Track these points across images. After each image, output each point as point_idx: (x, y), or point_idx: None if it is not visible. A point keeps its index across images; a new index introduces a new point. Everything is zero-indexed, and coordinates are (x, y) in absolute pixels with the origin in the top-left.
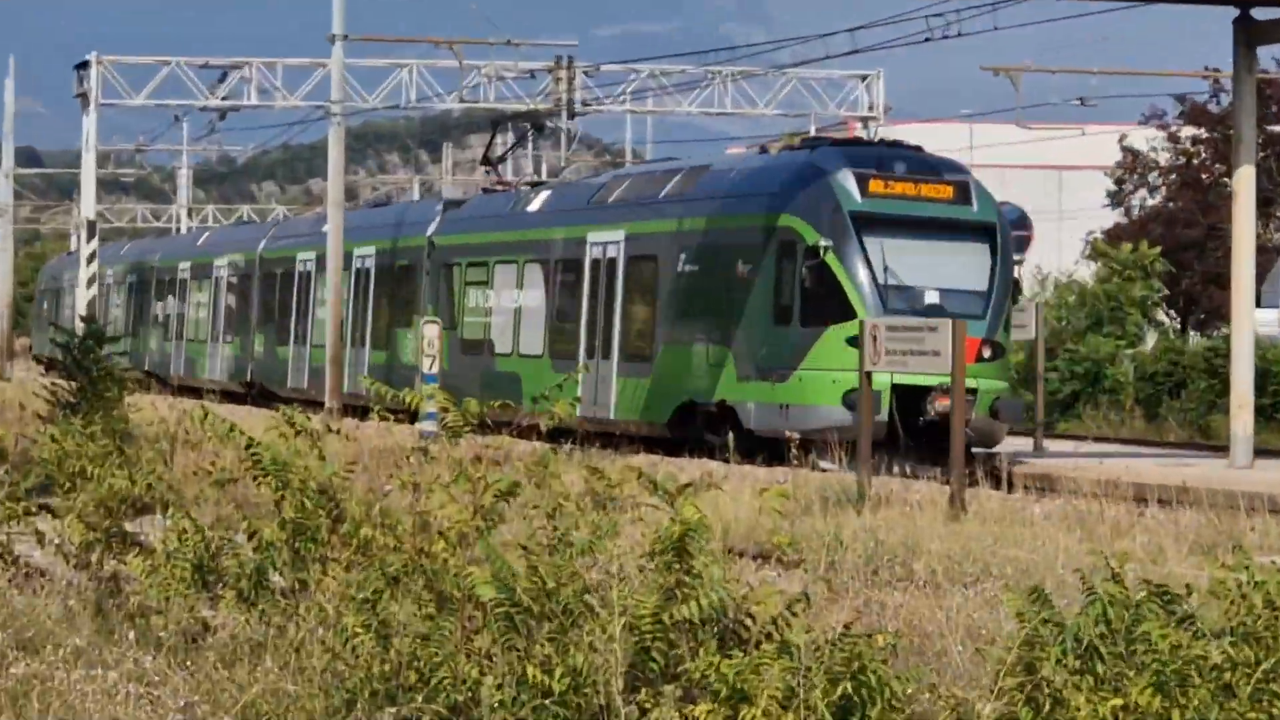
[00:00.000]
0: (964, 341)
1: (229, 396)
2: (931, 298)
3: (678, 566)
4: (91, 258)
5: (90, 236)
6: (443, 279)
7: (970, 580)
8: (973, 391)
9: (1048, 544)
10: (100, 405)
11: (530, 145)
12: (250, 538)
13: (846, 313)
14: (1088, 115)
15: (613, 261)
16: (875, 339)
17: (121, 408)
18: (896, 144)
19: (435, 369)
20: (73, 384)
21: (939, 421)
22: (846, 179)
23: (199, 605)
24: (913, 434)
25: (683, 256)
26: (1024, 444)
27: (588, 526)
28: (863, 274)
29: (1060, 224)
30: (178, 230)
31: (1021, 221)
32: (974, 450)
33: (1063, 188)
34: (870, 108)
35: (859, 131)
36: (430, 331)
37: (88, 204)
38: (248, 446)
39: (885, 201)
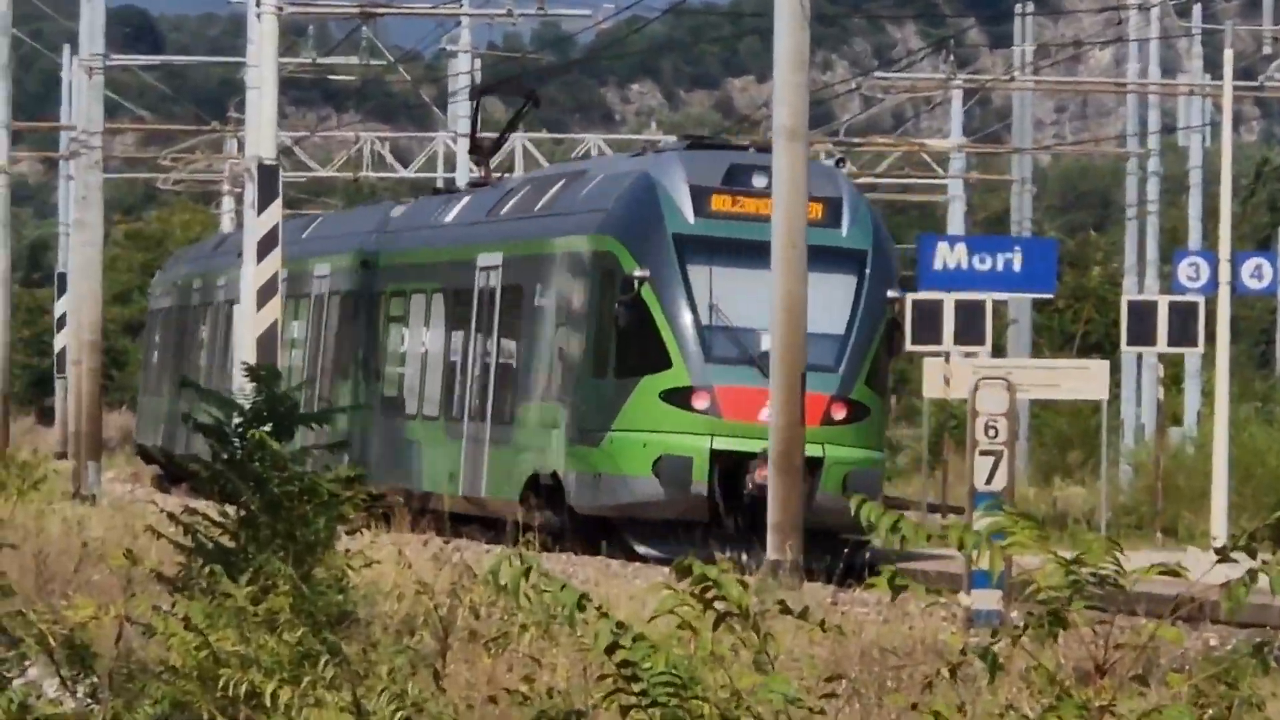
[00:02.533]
0: None
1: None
2: (769, 343)
3: None
4: (268, 243)
5: (267, 198)
6: (373, 312)
7: None
8: (815, 462)
9: None
10: (289, 556)
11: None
12: None
13: (662, 361)
14: None
15: (493, 293)
16: None
17: (335, 560)
18: (768, 150)
19: (1001, 479)
20: (231, 511)
21: (760, 496)
22: (679, 193)
23: None
24: (734, 510)
25: (538, 288)
26: None
27: None
28: (684, 312)
29: None
30: (442, 190)
31: None
32: (840, 536)
33: None
34: None
35: None
36: (993, 400)
37: (262, 133)
38: (612, 646)
39: (726, 223)
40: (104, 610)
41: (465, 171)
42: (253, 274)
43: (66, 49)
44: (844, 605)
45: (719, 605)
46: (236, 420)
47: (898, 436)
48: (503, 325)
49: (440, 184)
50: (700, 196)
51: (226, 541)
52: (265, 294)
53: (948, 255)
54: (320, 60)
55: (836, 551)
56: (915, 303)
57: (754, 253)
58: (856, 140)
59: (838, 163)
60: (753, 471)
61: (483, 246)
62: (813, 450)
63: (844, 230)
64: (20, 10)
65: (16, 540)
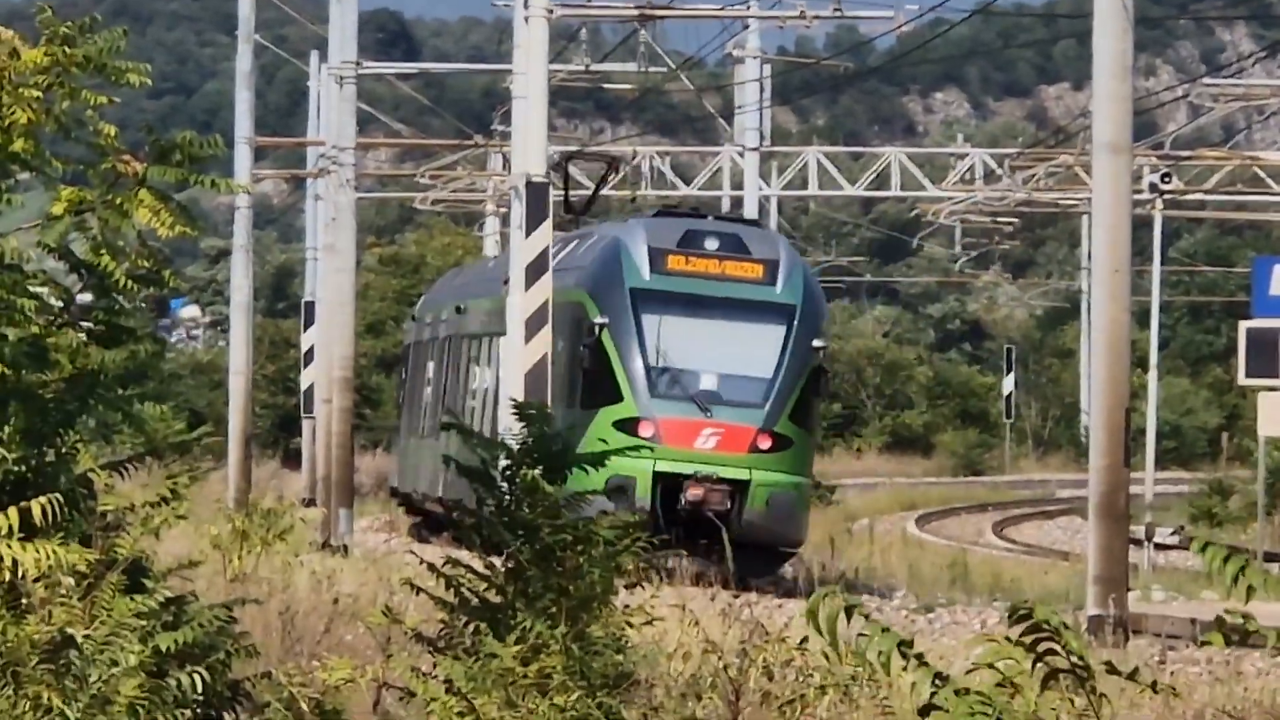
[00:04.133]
0: None
1: None
2: (708, 383)
3: None
4: (537, 268)
5: (536, 218)
6: (456, 352)
7: None
8: (744, 484)
9: None
10: (561, 612)
11: None
12: None
13: (616, 395)
14: None
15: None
16: None
17: (612, 617)
18: (726, 218)
19: None
20: (497, 563)
21: (691, 511)
22: (639, 253)
23: None
24: (672, 522)
25: (556, 332)
26: None
27: None
28: (635, 355)
29: None
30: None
31: None
32: (775, 549)
33: None
34: None
35: None
36: None
37: (530, 148)
38: (925, 709)
39: (678, 279)
40: (359, 672)
41: (754, 188)
42: (520, 302)
43: (314, 56)
44: (1173, 664)
45: (1048, 660)
46: (504, 462)
47: (1230, 478)
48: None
49: (726, 201)
50: (657, 257)
51: (492, 596)
52: (534, 324)
53: None
54: (594, 67)
55: (754, 561)
56: (1250, 331)
57: (701, 305)
58: (1184, 154)
59: (1163, 178)
60: (686, 488)
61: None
62: (740, 474)
63: (778, 288)
64: (263, 15)
65: (261, 595)
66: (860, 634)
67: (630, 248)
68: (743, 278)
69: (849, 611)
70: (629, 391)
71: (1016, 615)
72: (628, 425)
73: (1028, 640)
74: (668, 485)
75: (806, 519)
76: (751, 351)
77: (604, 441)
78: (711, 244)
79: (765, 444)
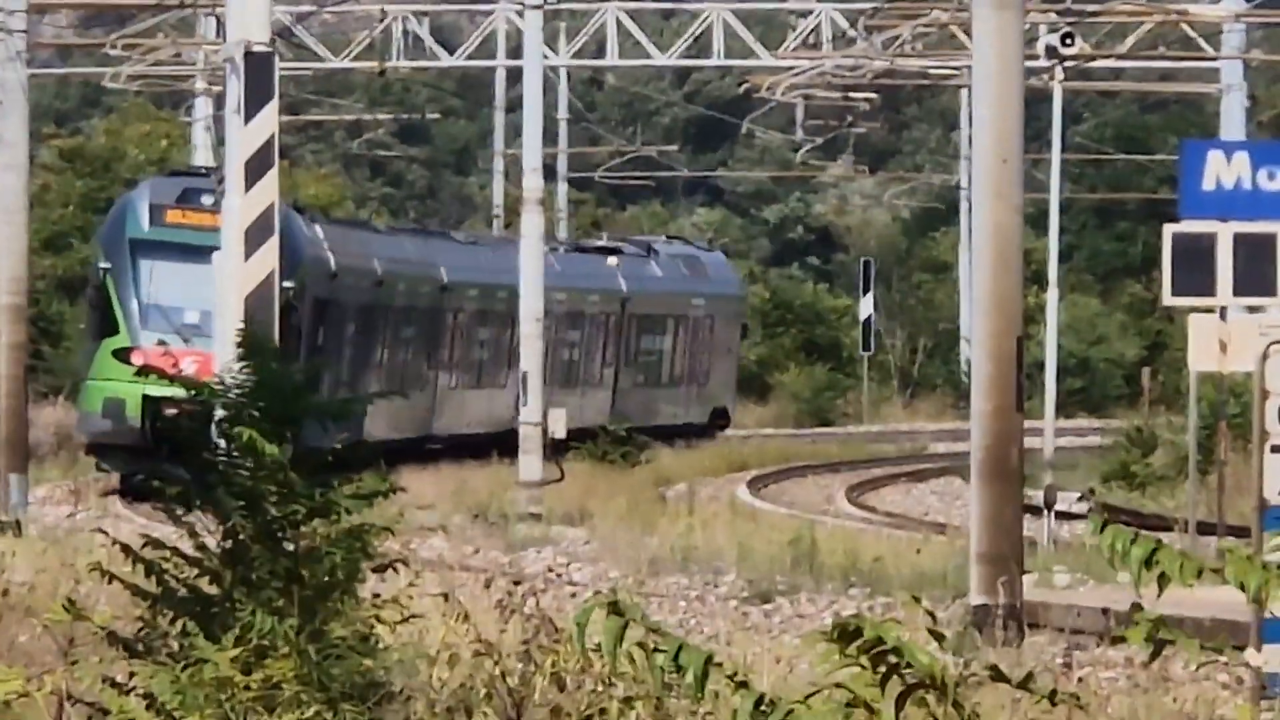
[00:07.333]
0: None
1: None
2: (191, 318)
3: None
4: (260, 164)
5: (258, 100)
6: None
7: None
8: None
9: None
10: (293, 604)
11: None
12: None
13: (115, 328)
14: None
15: None
16: None
17: (358, 610)
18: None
19: None
20: (211, 543)
21: (163, 428)
22: (141, 208)
23: None
24: (159, 441)
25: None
26: None
27: None
28: (130, 295)
29: None
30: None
31: None
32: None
33: None
34: None
35: None
36: None
37: (249, 9)
38: None
39: (174, 230)
40: (35, 684)
41: (536, 57)
42: (239, 206)
43: None
44: (1081, 667)
45: (903, 674)
46: (221, 412)
47: (1154, 426)
48: None
49: (502, 73)
50: (156, 211)
51: (205, 585)
52: (256, 235)
53: (1223, 169)
54: None
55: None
56: (1176, 236)
57: (190, 251)
58: (1090, 7)
59: (1063, 39)
60: (161, 410)
61: None
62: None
63: None
64: None
65: None
66: (656, 649)
67: (135, 204)
68: None
69: (624, 630)
70: (124, 325)
71: (843, 633)
72: (122, 354)
73: (871, 651)
74: (156, 407)
75: None
76: None
77: (105, 369)
78: (207, 199)
79: None
